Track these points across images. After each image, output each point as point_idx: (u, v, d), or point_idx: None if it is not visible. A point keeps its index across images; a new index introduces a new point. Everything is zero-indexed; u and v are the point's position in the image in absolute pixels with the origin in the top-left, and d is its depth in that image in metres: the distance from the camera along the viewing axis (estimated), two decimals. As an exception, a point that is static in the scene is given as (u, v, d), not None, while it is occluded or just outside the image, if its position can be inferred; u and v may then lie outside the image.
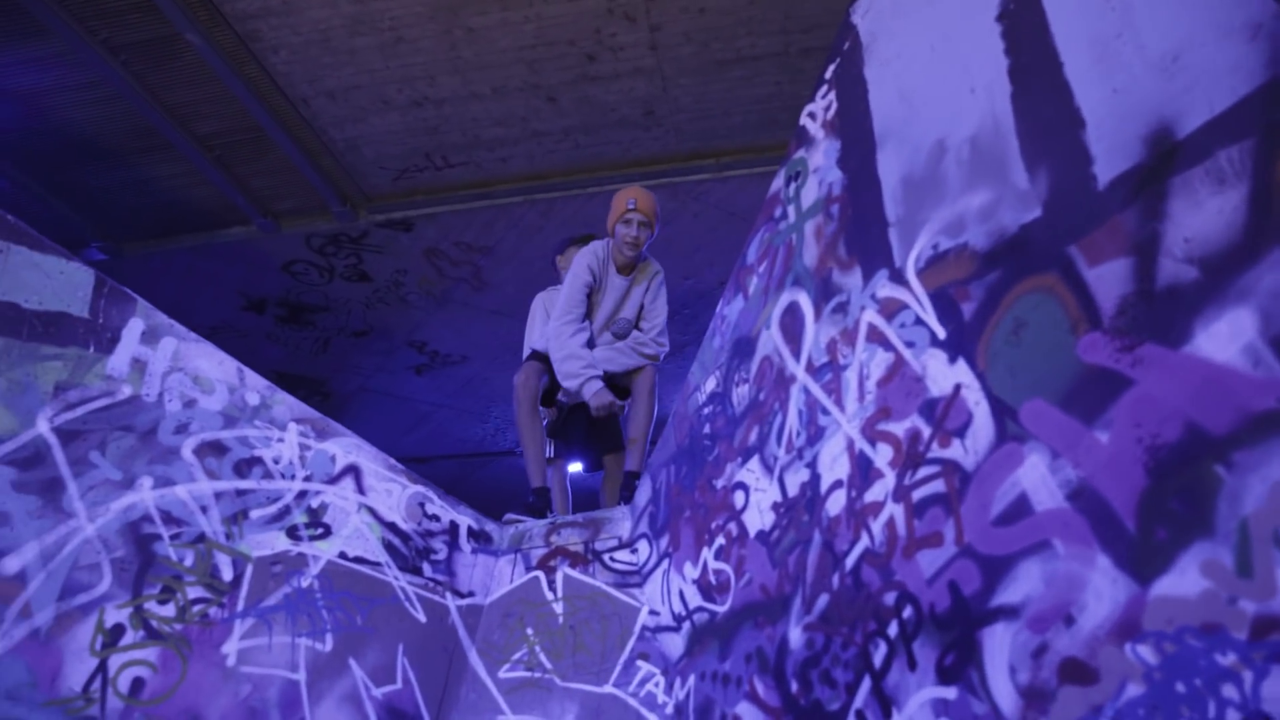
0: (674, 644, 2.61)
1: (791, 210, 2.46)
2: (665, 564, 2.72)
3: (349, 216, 6.59)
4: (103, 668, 2.06)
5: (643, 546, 2.92)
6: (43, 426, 2.20)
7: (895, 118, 2.16)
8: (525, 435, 3.74)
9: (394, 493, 2.90)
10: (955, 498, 1.75)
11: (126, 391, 2.41)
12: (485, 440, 10.67)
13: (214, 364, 2.63)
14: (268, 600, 2.44)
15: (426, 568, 2.88)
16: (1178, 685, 1.31)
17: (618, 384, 3.88)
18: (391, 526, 2.84)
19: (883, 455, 1.94)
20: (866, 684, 1.83)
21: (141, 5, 4.85)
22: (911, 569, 1.80)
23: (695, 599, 2.52)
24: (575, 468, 4.63)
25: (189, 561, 2.33)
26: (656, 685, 2.58)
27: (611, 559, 2.97)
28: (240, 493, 2.52)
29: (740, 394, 2.50)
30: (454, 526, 3.05)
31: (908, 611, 1.78)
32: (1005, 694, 1.55)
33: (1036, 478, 1.60)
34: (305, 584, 2.53)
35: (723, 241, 7.02)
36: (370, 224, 6.72)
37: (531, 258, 7.21)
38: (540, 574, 3.00)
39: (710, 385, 2.69)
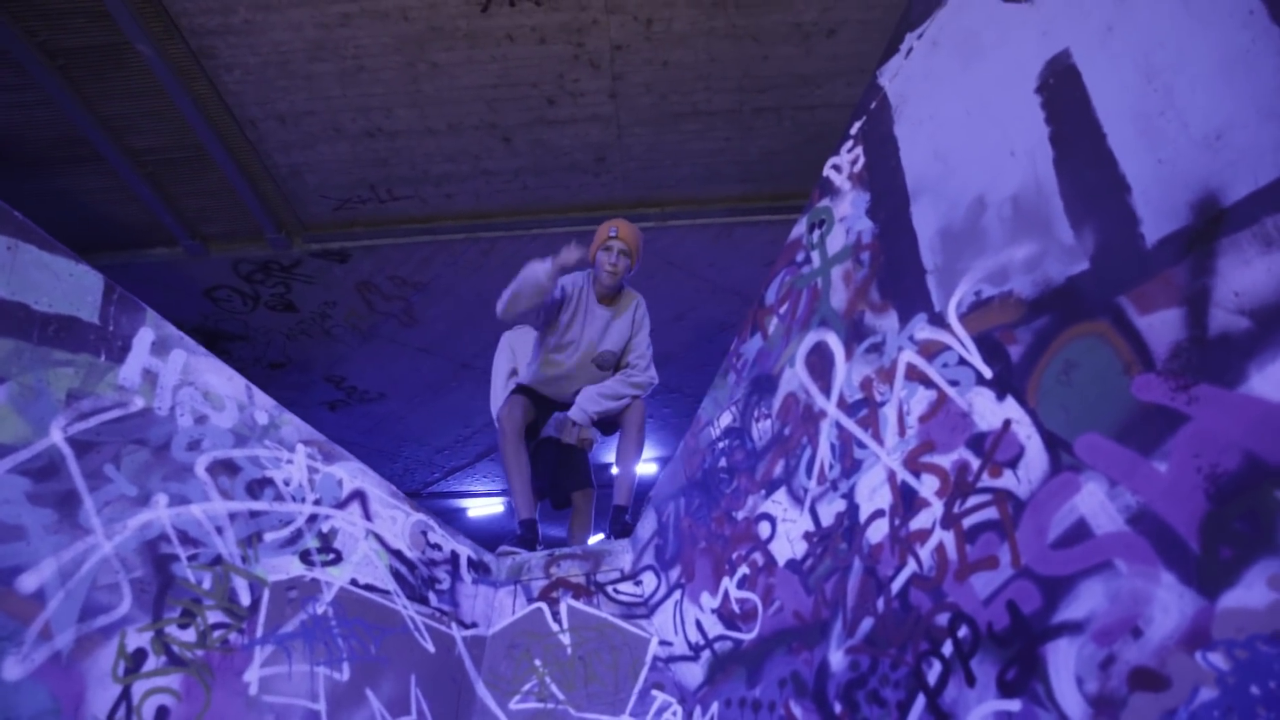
0: (692, 673, 2.64)
1: (816, 256, 2.60)
2: (678, 594, 2.75)
3: (283, 244, 6.39)
4: (126, 695, 1.92)
5: (648, 578, 2.94)
6: (56, 436, 2.07)
7: (930, 174, 2.33)
8: (511, 467, 3.71)
9: (398, 520, 2.83)
10: (1009, 524, 1.88)
11: (139, 404, 2.29)
12: (394, 479, 10.37)
13: (223, 380, 2.53)
14: (285, 627, 2.33)
15: (432, 597, 2.81)
16: (1252, 688, 1.45)
17: (605, 420, 3.91)
18: (398, 554, 2.76)
19: (928, 485, 2.06)
20: (921, 701, 1.92)
21: (92, 11, 4.64)
22: (965, 591, 1.91)
23: (716, 628, 2.56)
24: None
25: (207, 584, 2.21)
26: (674, 715, 2.60)
27: (615, 591, 2.98)
28: (254, 514, 2.42)
29: (761, 429, 2.60)
30: (455, 556, 2.99)
31: (963, 631, 1.89)
32: (1073, 703, 1.67)
33: (1095, 504, 1.74)
34: (320, 611, 2.43)
35: (660, 288, 7.16)
36: (305, 253, 6.54)
37: (466, 296, 7.17)
38: (543, 605, 2.98)
39: (725, 420, 2.77)
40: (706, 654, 2.59)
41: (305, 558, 2.49)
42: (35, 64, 4.90)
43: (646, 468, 10.37)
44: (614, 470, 3.91)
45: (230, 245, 6.48)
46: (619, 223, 4.08)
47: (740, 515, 2.58)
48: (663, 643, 2.80)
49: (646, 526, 3.12)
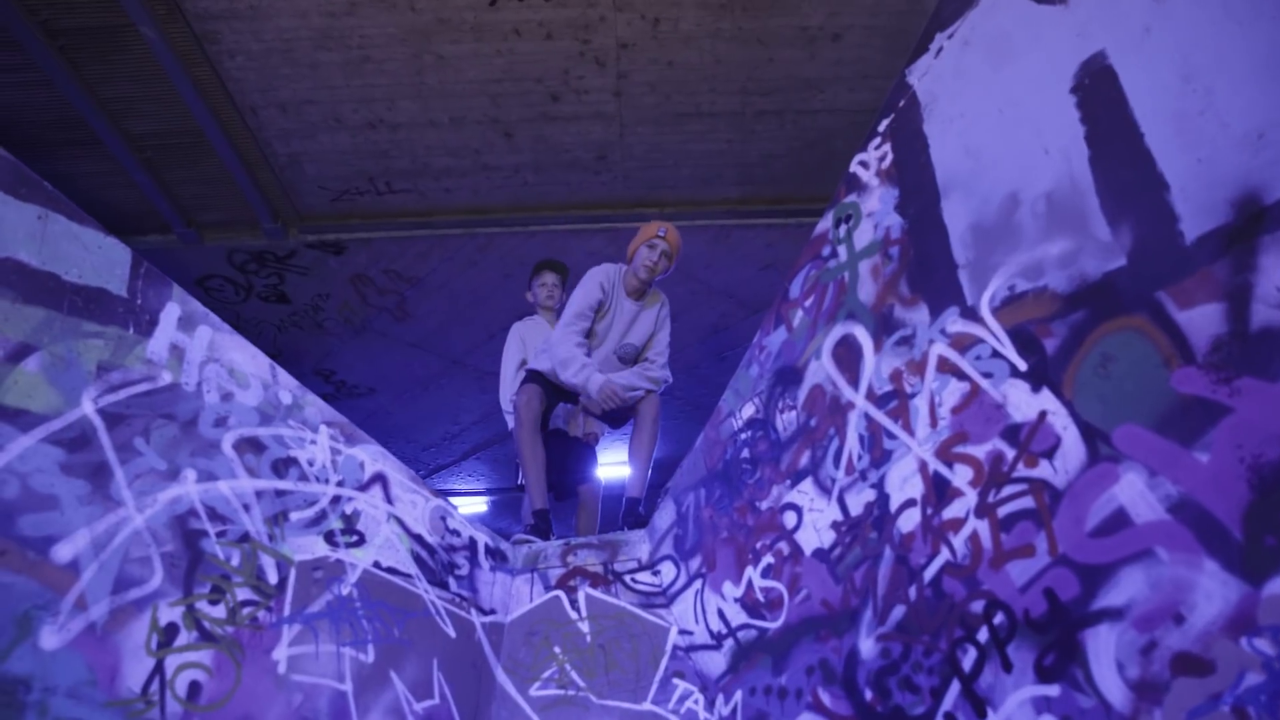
0: (714, 661, 2.65)
1: (843, 250, 2.63)
2: (698, 584, 2.76)
3: (279, 234, 6.33)
4: (160, 669, 1.90)
5: (666, 568, 2.95)
6: (88, 407, 2.04)
7: (961, 171, 2.36)
8: (527, 456, 3.70)
9: (418, 505, 2.81)
10: (1046, 513, 1.91)
11: (167, 378, 2.27)
12: (378, 477, 10.29)
13: (248, 358, 2.51)
14: (311, 607, 2.31)
15: (452, 583, 2.79)
16: (1298, 671, 1.50)
17: (617, 412, 3.91)
18: (419, 539, 2.75)
19: (961, 475, 2.09)
20: (955, 687, 1.95)
21: (97, -9, 4.60)
22: (1001, 579, 1.94)
23: (739, 616, 2.58)
24: None
25: (235, 561, 2.18)
26: (696, 703, 2.61)
27: (633, 580, 2.99)
28: (279, 493, 2.39)
29: (786, 420, 2.62)
30: (473, 542, 2.98)
31: (999, 618, 1.92)
32: (1114, 688, 1.70)
33: (1134, 493, 1.78)
34: (345, 592, 2.41)
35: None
36: (300, 244, 6.48)
37: (460, 291, 7.14)
38: (561, 594, 2.98)
39: (748, 411, 2.79)
40: (729, 642, 2.60)
41: (330, 538, 2.47)
42: (35, 44, 4.82)
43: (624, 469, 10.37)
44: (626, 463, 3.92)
45: (225, 234, 6.41)
46: (668, 225, 4.13)
47: (764, 505, 2.60)
48: (683, 631, 2.81)
49: (665, 517, 3.13)
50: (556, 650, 2.80)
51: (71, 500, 1.92)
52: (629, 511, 3.67)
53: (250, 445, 2.39)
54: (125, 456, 2.07)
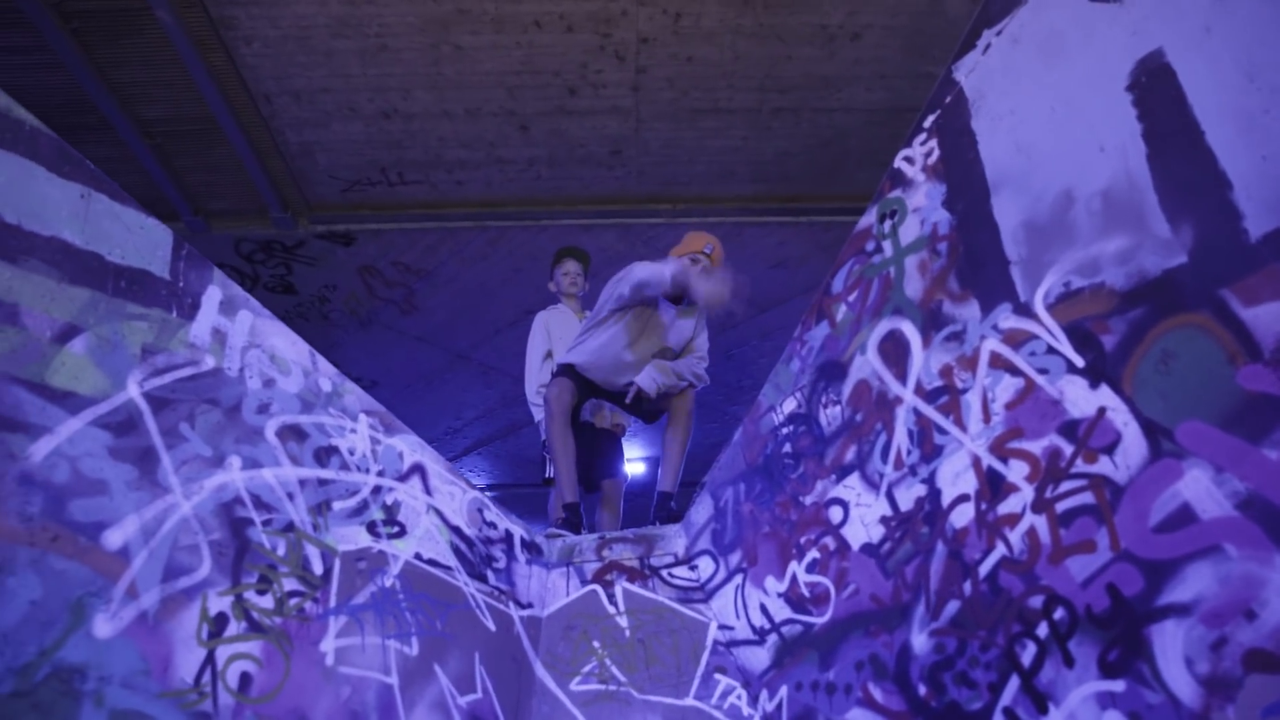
0: (756, 657, 2.63)
1: (888, 245, 2.62)
2: (739, 579, 2.75)
3: (288, 224, 6.28)
4: (211, 660, 1.87)
5: (704, 563, 2.94)
6: (133, 390, 2.02)
7: (1012, 168, 2.36)
8: (558, 449, 3.68)
9: (456, 496, 2.78)
10: (1107, 508, 1.90)
11: (210, 363, 2.24)
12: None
13: (288, 344, 2.48)
14: (357, 598, 2.28)
15: (490, 575, 2.77)
16: (1377, 667, 1.50)
17: (652, 407, 3.90)
18: (457, 531, 2.72)
19: (1017, 471, 2.08)
20: (1014, 683, 1.94)
21: (113, -25, 4.55)
22: (1060, 574, 1.94)
23: (783, 612, 2.57)
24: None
25: (281, 551, 2.16)
26: (739, 698, 2.59)
27: (670, 575, 2.97)
28: (322, 482, 2.36)
29: (830, 414, 2.62)
30: (509, 535, 2.95)
31: (1059, 613, 1.91)
32: (1183, 684, 1.70)
33: (1200, 489, 1.77)
34: (388, 583, 2.39)
35: (664, 285, 7.14)
36: (309, 234, 6.43)
37: (469, 286, 7.11)
38: (597, 588, 2.96)
39: (789, 406, 2.78)
40: (773, 638, 2.59)
41: (372, 529, 2.44)
42: (48, 25, 4.77)
43: (635, 467, 10.36)
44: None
45: (233, 223, 6.36)
46: (714, 241, 4.12)
47: (808, 500, 2.59)
48: (723, 627, 2.80)
49: (701, 512, 3.12)
50: (595, 645, 2.78)
51: (120, 485, 1.89)
52: (661, 506, 3.65)
53: (293, 433, 2.36)
54: (171, 442, 2.04)
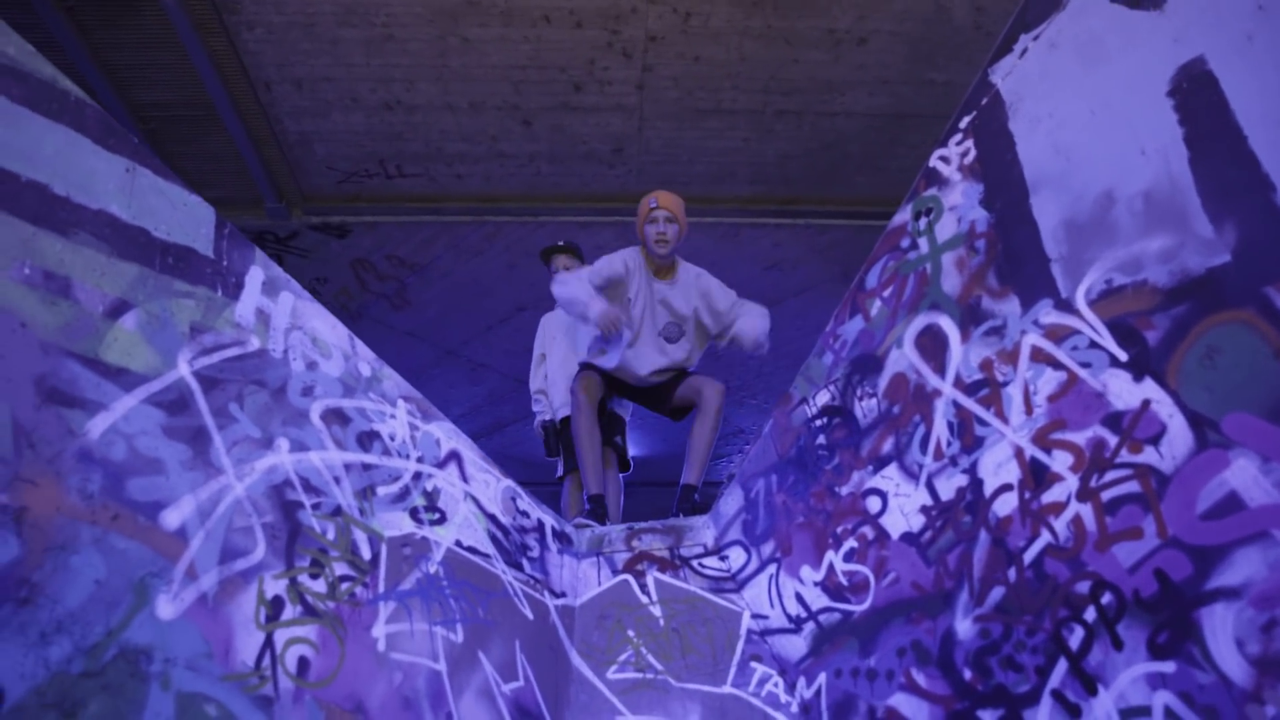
0: (793, 645, 2.66)
1: (923, 242, 2.67)
2: (772, 568, 2.78)
3: (282, 214, 6.21)
4: (270, 643, 1.85)
5: (735, 553, 2.96)
6: (184, 369, 1.99)
7: (1052, 169, 2.41)
8: (584, 441, 3.68)
9: (490, 484, 2.78)
10: (1153, 497, 1.96)
11: (255, 344, 2.22)
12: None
13: (328, 327, 2.46)
14: (403, 584, 2.27)
15: (525, 564, 2.77)
16: None
17: (679, 404, 3.90)
18: (493, 519, 2.72)
19: (1061, 461, 2.14)
20: (1063, 665, 1.99)
21: (117, -45, 4.47)
22: (1107, 560, 1.99)
23: (820, 600, 2.60)
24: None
25: (331, 535, 2.14)
26: (776, 685, 2.62)
27: (700, 565, 2.99)
28: (366, 467, 2.35)
29: (866, 407, 2.66)
30: (541, 524, 2.95)
31: (1107, 598, 1.96)
32: (1234, 664, 1.75)
33: (1247, 478, 1.83)
34: (432, 570, 2.37)
35: (659, 285, 7.16)
36: (303, 225, 6.36)
37: (463, 281, 7.07)
38: (629, 578, 2.97)
39: (823, 398, 2.82)
40: (810, 626, 2.63)
41: (414, 515, 2.43)
42: (44, 3, 4.66)
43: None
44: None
45: (226, 212, 6.10)
46: (657, 193, 4.08)
47: (844, 490, 2.63)
48: (756, 616, 2.83)
49: (731, 503, 3.15)
50: (630, 634, 2.79)
51: (175, 465, 1.87)
52: (684, 498, 3.66)
53: (336, 417, 2.35)
54: (222, 422, 2.02)
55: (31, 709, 1.41)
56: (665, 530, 3.17)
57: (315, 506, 2.13)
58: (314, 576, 2.03)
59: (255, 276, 2.31)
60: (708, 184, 6.38)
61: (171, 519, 1.80)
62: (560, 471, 4.41)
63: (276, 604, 1.91)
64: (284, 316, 2.33)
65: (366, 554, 2.21)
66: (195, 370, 2.03)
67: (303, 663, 1.89)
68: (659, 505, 6.96)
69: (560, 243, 5.06)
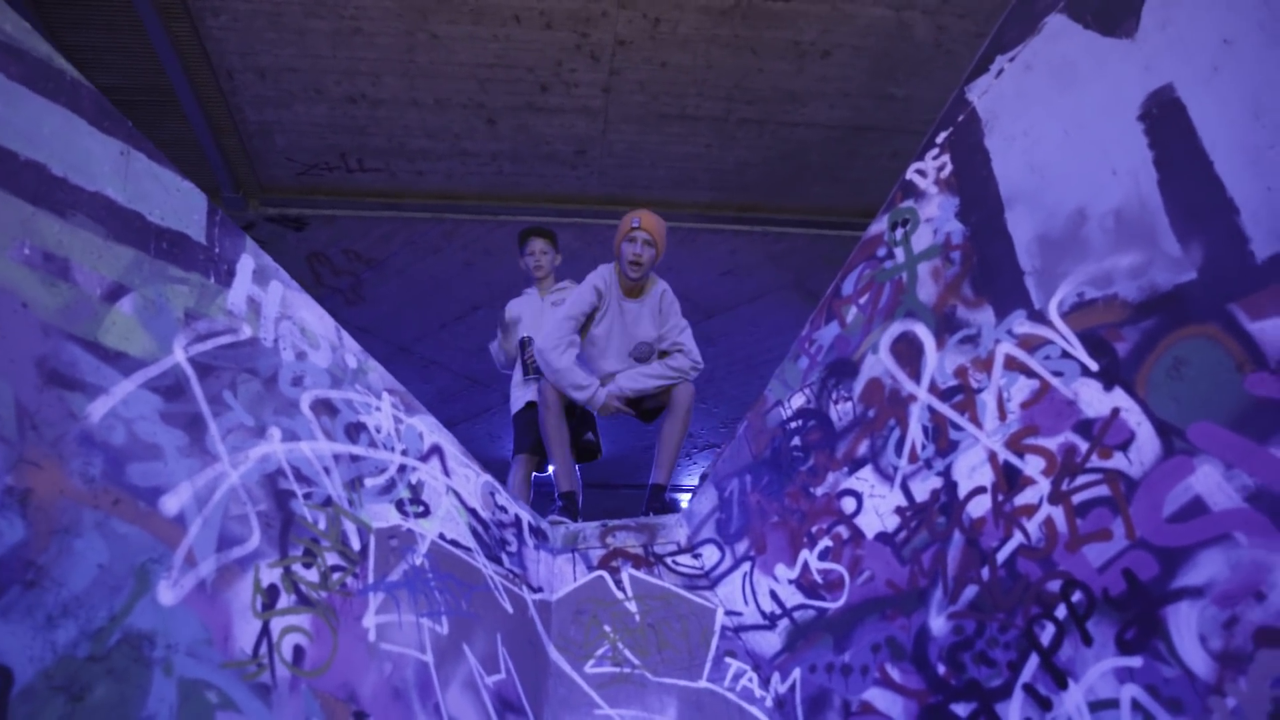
0: (767, 641, 2.72)
1: (900, 252, 2.76)
2: (746, 566, 2.84)
3: (238, 205, 6.06)
4: (266, 631, 1.82)
5: (709, 551, 3.01)
6: (179, 355, 1.96)
7: (1026, 185, 2.52)
8: (553, 439, 3.68)
9: (470, 479, 2.77)
10: (1122, 500, 2.07)
11: (247, 332, 2.19)
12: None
13: (316, 317, 2.43)
14: (391, 575, 2.25)
15: (505, 559, 2.76)
16: (1376, 641, 1.69)
17: (645, 405, 3.92)
18: (474, 513, 2.71)
19: (1033, 465, 2.24)
20: (1034, 660, 2.09)
21: (78, -68, 4.32)
22: (1078, 560, 2.09)
23: (794, 597, 2.66)
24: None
25: (322, 525, 2.12)
26: (750, 680, 2.67)
27: (674, 562, 3.03)
28: (354, 458, 2.33)
29: (841, 410, 2.74)
30: (519, 520, 2.95)
31: (1077, 596, 2.06)
32: (1197, 659, 1.86)
33: (1211, 484, 1.95)
34: (418, 562, 2.36)
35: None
36: (260, 216, 6.22)
37: (418, 278, 7.00)
38: (604, 574, 2.99)
39: (798, 401, 2.89)
40: (784, 623, 2.69)
41: (400, 508, 2.41)
42: (-3, -20, 4.48)
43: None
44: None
45: (178, 200, 6.07)
46: (641, 213, 4.11)
47: (819, 491, 2.70)
48: (730, 613, 2.88)
49: (704, 502, 3.20)
50: (607, 629, 2.82)
51: (173, 451, 1.84)
52: (654, 497, 3.69)
53: (325, 407, 2.32)
54: (217, 409, 1.99)
55: (41, 692, 1.38)
56: (639, 528, 3.20)
57: (307, 496, 2.11)
58: (307, 566, 2.01)
59: (246, 264, 2.27)
60: (668, 189, 6.45)
61: (170, 505, 1.77)
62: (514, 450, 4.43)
63: (272, 592, 1.88)
64: (274, 305, 2.30)
65: (356, 545, 2.20)
66: (190, 357, 1.99)
67: (298, 651, 1.87)
68: (606, 508, 6.99)
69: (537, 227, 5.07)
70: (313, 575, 2.01)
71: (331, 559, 2.09)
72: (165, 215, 2.10)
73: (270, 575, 1.90)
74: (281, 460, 2.09)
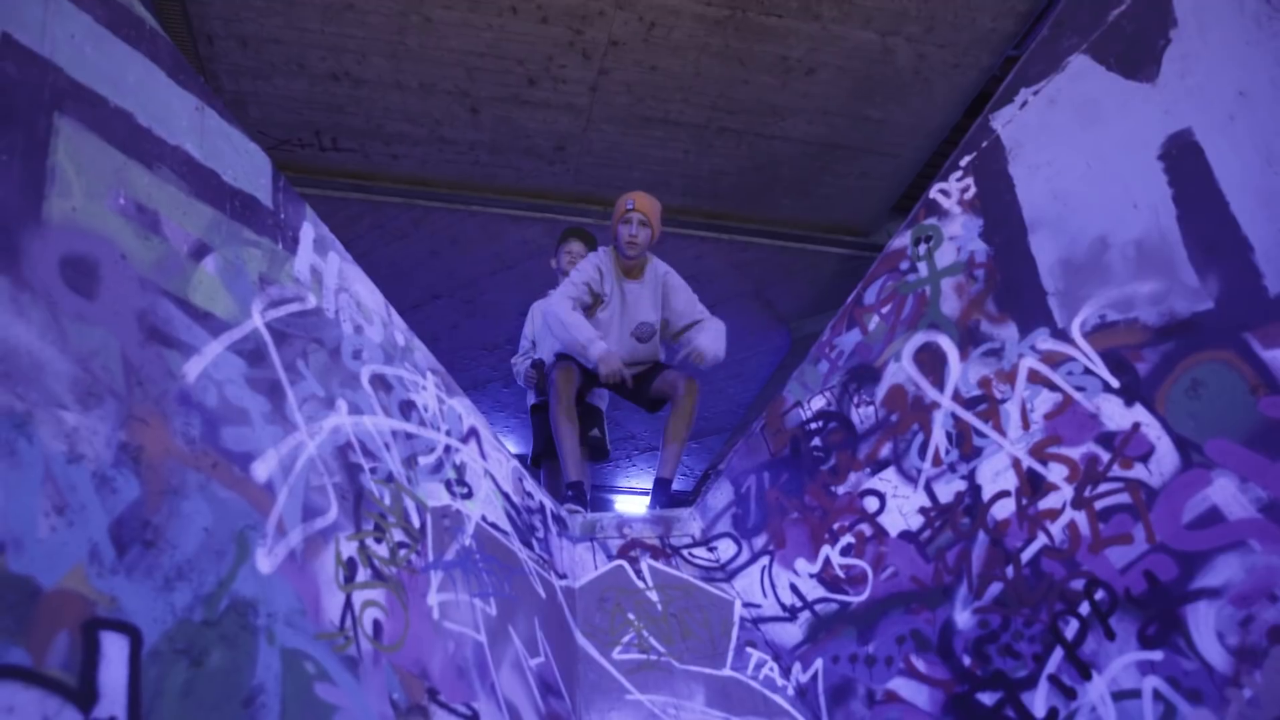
0: (788, 632, 2.81)
1: (923, 266, 2.91)
2: (765, 560, 2.92)
3: (200, 173, 5.82)
4: (349, 604, 1.79)
5: (725, 545, 3.09)
6: (257, 319, 1.92)
7: (1049, 212, 2.69)
8: (562, 428, 3.68)
9: (502, 464, 2.77)
10: (1143, 507, 2.24)
11: (312, 301, 2.15)
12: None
13: (368, 291, 2.40)
14: (447, 555, 2.23)
15: (535, 544, 2.77)
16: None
17: (652, 395, 3.96)
18: (507, 497, 2.71)
19: (1056, 472, 2.40)
20: (1059, 653, 2.24)
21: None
22: (1100, 561, 2.26)
23: (815, 591, 2.76)
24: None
25: (388, 500, 2.09)
26: (772, 670, 2.76)
27: (690, 554, 3.09)
28: (409, 436, 2.30)
29: (863, 414, 2.86)
30: (543, 507, 2.96)
31: (1100, 594, 2.23)
32: (1215, 654, 2.04)
33: (1227, 495, 2.14)
34: (467, 543, 2.35)
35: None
36: (222, 187, 5.99)
37: (380, 263, 6.86)
38: (624, 563, 3.03)
39: (818, 404, 3.00)
40: (805, 615, 2.79)
41: (449, 488, 2.40)
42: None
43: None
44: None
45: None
46: (635, 194, 4.15)
47: (841, 490, 2.82)
48: (748, 604, 2.96)
49: (720, 497, 3.27)
50: (631, 617, 2.86)
51: (259, 417, 1.81)
52: (662, 490, 3.73)
53: (381, 383, 2.30)
54: (293, 378, 1.96)
55: (165, 654, 1.35)
56: (654, 520, 3.26)
57: (373, 471, 2.09)
58: (378, 540, 1.99)
59: (308, 233, 2.24)
60: (641, 190, 6.49)
61: (260, 471, 1.74)
62: (530, 455, 4.41)
63: (351, 565, 1.86)
64: (333, 277, 2.27)
65: (416, 522, 2.18)
66: (267, 322, 1.96)
67: (377, 626, 1.85)
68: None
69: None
70: (383, 550, 1.99)
71: (398, 535, 2.07)
72: (237, 176, 2.06)
73: (348, 548, 1.88)
74: (349, 433, 2.06)
